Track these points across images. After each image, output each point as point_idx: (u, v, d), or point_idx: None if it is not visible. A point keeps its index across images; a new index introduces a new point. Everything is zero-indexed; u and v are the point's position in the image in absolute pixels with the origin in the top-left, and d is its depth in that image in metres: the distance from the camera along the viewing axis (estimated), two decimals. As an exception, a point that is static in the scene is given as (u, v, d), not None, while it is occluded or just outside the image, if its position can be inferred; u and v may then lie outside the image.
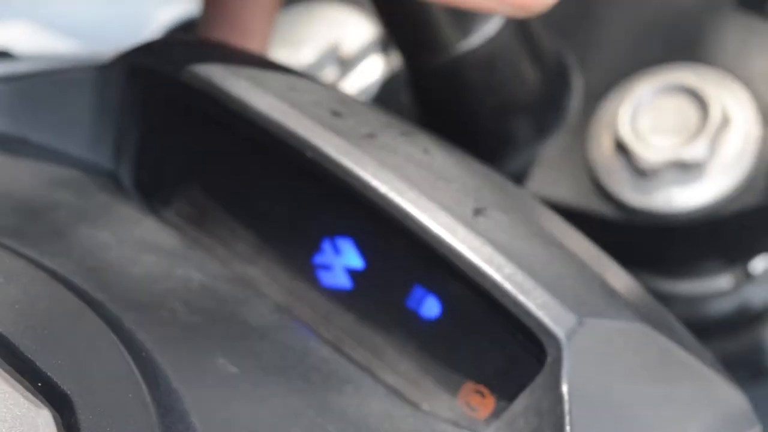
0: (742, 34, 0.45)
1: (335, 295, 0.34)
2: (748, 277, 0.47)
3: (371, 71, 0.49)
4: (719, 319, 0.47)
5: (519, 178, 0.44)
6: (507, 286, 0.31)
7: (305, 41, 0.49)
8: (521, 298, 0.31)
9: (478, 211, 0.33)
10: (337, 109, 0.36)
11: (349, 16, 0.49)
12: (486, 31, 0.42)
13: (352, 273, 0.34)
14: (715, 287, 0.47)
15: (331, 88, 0.38)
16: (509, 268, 0.32)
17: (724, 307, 0.47)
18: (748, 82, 0.44)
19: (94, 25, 0.58)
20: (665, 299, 0.45)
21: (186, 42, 0.39)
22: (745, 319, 0.48)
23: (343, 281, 0.34)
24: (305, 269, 0.34)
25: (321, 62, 0.49)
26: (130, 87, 0.37)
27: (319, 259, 0.35)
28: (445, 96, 0.43)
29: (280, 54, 0.48)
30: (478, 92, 0.43)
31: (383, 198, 0.33)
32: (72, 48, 0.54)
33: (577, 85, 0.45)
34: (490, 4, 0.37)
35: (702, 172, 0.43)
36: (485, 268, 0.32)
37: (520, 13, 0.38)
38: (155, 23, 0.53)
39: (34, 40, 0.54)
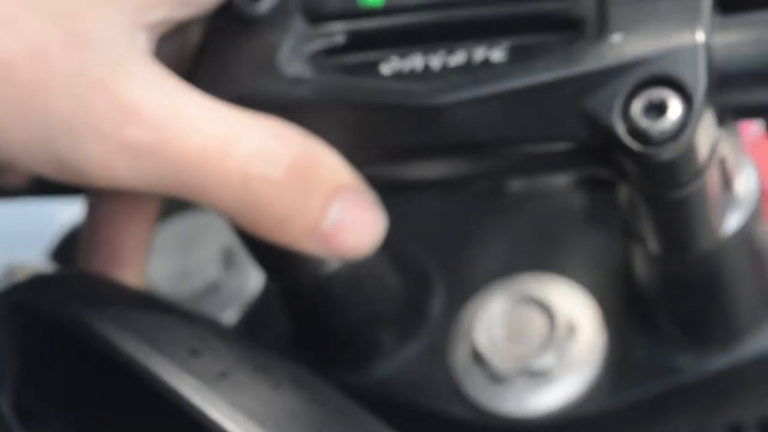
0: (588, 246, 0.49)
1: None
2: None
3: (256, 273, 0.52)
4: None
5: (384, 382, 0.48)
6: None
7: (195, 246, 0.53)
8: None
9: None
10: (195, 346, 0.39)
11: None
12: (349, 253, 0.45)
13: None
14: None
15: (195, 321, 0.42)
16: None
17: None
18: (593, 291, 0.48)
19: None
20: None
21: (66, 278, 0.43)
22: None
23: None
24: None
25: (208, 264, 0.53)
26: (12, 321, 0.41)
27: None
28: (311, 309, 0.47)
29: (170, 260, 0.52)
30: (343, 306, 0.47)
31: (231, 437, 0.37)
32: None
33: (439, 292, 0.49)
34: (315, 249, 0.40)
35: (551, 378, 0.46)
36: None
37: (344, 257, 0.41)
38: (55, 222, 0.56)
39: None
